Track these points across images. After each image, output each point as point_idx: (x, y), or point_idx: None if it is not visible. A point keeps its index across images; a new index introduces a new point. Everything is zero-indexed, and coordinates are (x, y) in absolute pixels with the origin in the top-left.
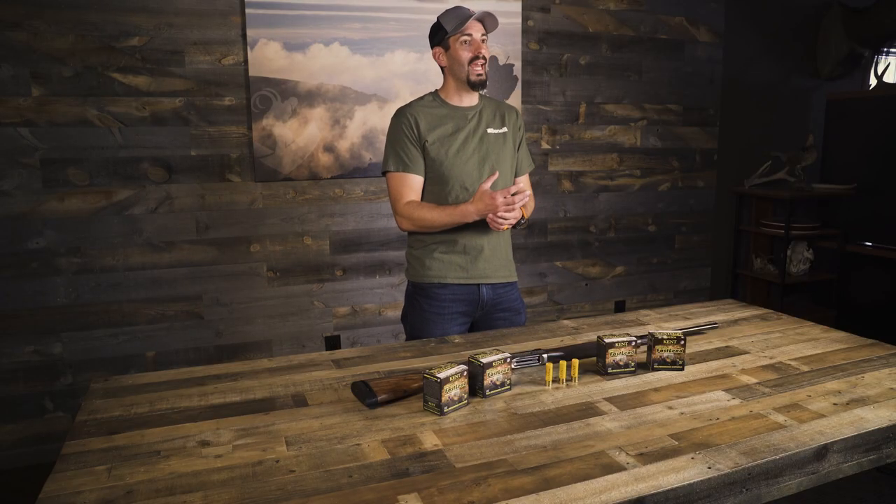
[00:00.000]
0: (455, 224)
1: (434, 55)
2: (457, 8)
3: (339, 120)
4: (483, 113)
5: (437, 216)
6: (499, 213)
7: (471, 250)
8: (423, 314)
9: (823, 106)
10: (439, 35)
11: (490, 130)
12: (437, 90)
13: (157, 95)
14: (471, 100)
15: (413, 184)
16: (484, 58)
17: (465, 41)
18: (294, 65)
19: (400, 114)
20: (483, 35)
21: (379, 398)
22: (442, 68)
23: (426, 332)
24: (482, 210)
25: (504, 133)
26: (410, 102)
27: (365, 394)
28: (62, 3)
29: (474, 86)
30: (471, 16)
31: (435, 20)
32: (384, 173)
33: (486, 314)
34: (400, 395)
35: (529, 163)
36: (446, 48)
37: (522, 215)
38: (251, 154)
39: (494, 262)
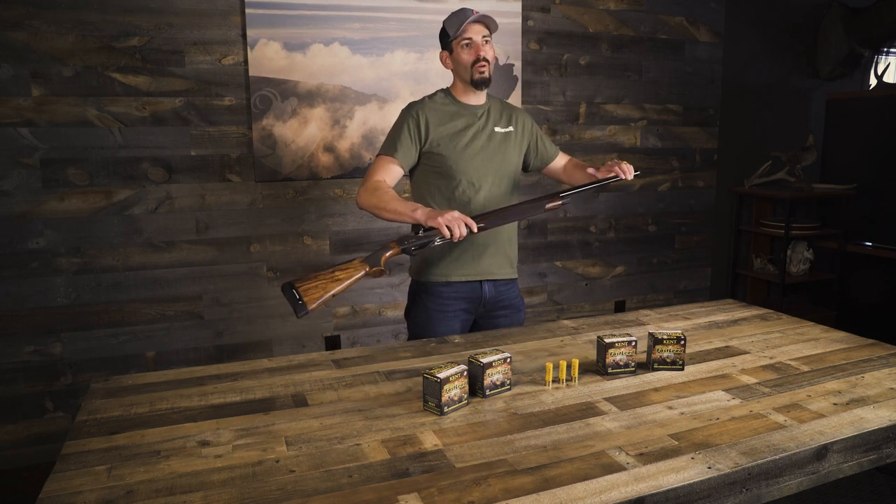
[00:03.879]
0: (400, 216)
1: (441, 59)
2: (459, 11)
3: (339, 120)
4: (491, 111)
5: (391, 201)
6: (446, 225)
7: (476, 248)
8: (427, 312)
9: (823, 106)
10: (445, 39)
11: (497, 129)
12: (448, 87)
13: (157, 95)
14: (478, 99)
15: (392, 171)
16: (486, 59)
17: (466, 44)
18: (294, 65)
19: (409, 109)
20: (485, 37)
21: (309, 308)
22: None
23: (429, 330)
24: (428, 214)
25: (510, 132)
26: (423, 99)
27: (297, 304)
28: (62, 3)
29: (478, 84)
30: (467, 18)
31: (441, 25)
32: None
33: (487, 311)
34: (329, 300)
35: (554, 148)
36: (451, 52)
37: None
38: (251, 154)
39: (498, 260)
